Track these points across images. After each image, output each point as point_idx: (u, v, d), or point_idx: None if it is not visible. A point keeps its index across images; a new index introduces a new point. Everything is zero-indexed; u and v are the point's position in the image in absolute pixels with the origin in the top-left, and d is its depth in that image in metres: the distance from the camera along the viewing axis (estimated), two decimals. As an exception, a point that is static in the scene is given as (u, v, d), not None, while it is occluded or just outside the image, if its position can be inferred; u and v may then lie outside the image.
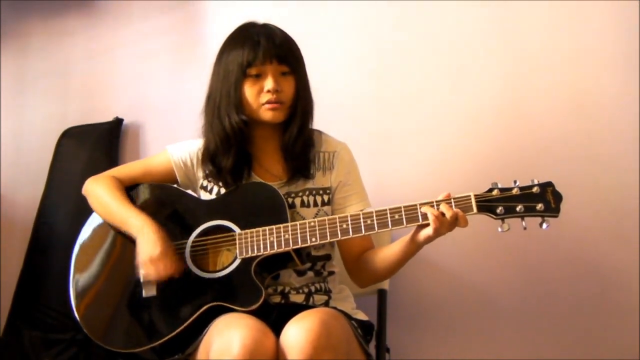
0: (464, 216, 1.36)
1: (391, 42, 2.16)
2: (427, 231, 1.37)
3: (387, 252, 1.51)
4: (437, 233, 1.36)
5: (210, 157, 1.59)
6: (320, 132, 1.66)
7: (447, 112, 2.06)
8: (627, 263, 1.83)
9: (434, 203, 1.38)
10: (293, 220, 1.49)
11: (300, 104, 1.56)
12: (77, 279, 1.58)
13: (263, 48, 1.50)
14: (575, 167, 1.88)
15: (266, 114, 1.54)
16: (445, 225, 1.36)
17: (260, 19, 1.61)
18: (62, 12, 2.63)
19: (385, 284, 1.83)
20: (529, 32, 2.00)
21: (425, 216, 1.37)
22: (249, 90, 1.53)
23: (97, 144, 2.41)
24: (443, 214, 1.35)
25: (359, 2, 2.20)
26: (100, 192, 1.61)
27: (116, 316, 1.54)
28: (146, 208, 1.58)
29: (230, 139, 1.55)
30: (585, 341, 1.86)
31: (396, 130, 2.11)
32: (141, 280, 1.51)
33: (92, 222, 1.65)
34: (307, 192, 1.58)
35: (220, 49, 1.59)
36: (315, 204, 1.57)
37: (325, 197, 1.59)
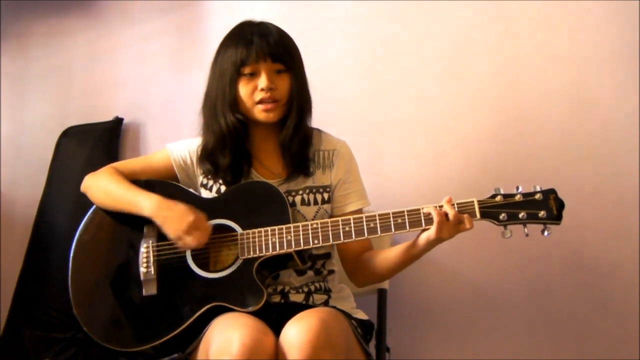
0: (469, 217, 1.36)
1: (392, 42, 2.16)
2: (429, 232, 1.37)
3: (388, 254, 1.51)
4: (439, 234, 1.36)
5: (208, 156, 1.59)
6: (319, 131, 1.66)
7: (447, 112, 2.06)
8: (627, 263, 1.83)
9: (437, 207, 1.38)
10: (294, 218, 1.50)
11: (296, 102, 1.56)
12: (76, 277, 1.57)
13: (256, 47, 1.50)
14: (575, 167, 1.89)
15: (260, 114, 1.54)
16: (448, 227, 1.36)
17: (260, 19, 1.61)
18: (62, 12, 2.63)
19: (386, 284, 1.83)
20: (529, 31, 2.01)
21: (428, 221, 1.37)
22: (244, 89, 1.53)
23: (97, 144, 2.41)
24: (446, 215, 1.36)
25: (359, 2, 2.20)
26: (103, 181, 1.61)
27: (116, 314, 1.54)
28: None
29: (227, 138, 1.55)
30: (585, 341, 1.86)
31: (396, 130, 2.11)
32: (141, 278, 1.51)
33: (91, 219, 1.63)
34: (307, 190, 1.58)
35: (217, 48, 1.60)
36: (316, 202, 1.57)
37: (326, 195, 1.59)
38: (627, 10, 1.88)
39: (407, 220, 1.39)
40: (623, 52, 1.88)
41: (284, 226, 1.45)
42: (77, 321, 1.53)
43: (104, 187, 1.60)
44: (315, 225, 1.44)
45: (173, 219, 1.47)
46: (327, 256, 1.61)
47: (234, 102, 1.54)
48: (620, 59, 1.89)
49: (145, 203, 1.51)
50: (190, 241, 1.46)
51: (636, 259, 1.82)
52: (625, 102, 1.87)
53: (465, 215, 1.36)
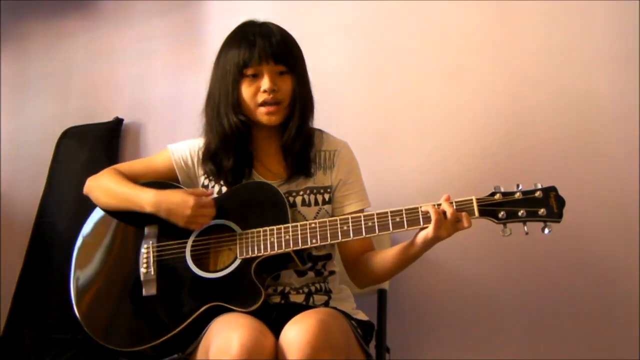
0: (467, 215, 1.36)
1: (391, 41, 2.16)
2: (427, 230, 1.36)
3: (386, 254, 1.51)
4: (437, 232, 1.35)
5: (211, 157, 1.59)
6: (321, 131, 1.66)
7: (447, 112, 2.06)
8: (627, 262, 1.83)
9: (435, 206, 1.38)
10: (294, 219, 1.50)
11: (298, 103, 1.55)
12: (77, 277, 1.57)
13: (259, 48, 1.50)
14: (576, 167, 1.89)
15: (262, 117, 1.54)
16: (446, 226, 1.35)
17: (261, 19, 1.61)
18: (62, 13, 2.63)
19: (386, 284, 1.83)
20: (529, 32, 2.00)
21: (426, 219, 1.37)
22: (246, 91, 1.53)
23: (97, 144, 2.41)
24: (444, 213, 1.36)
25: (359, 2, 2.20)
26: (105, 182, 1.61)
27: (116, 314, 1.54)
28: None
29: (230, 139, 1.55)
30: (584, 341, 1.86)
31: (396, 130, 2.11)
32: (141, 278, 1.51)
33: (94, 220, 1.64)
34: (307, 191, 1.58)
35: (220, 49, 1.60)
36: (316, 203, 1.57)
37: (326, 196, 1.59)
38: (627, 10, 1.87)
39: (405, 219, 1.39)
40: (623, 52, 1.88)
41: (282, 226, 1.45)
42: (77, 322, 1.53)
43: (106, 188, 1.60)
44: (313, 225, 1.44)
45: (176, 208, 1.47)
46: (328, 257, 1.61)
47: (237, 103, 1.54)
48: (620, 59, 1.89)
49: (145, 197, 1.51)
50: (198, 224, 1.49)
51: (636, 259, 1.82)
52: (625, 102, 1.87)
53: (464, 214, 1.36)
